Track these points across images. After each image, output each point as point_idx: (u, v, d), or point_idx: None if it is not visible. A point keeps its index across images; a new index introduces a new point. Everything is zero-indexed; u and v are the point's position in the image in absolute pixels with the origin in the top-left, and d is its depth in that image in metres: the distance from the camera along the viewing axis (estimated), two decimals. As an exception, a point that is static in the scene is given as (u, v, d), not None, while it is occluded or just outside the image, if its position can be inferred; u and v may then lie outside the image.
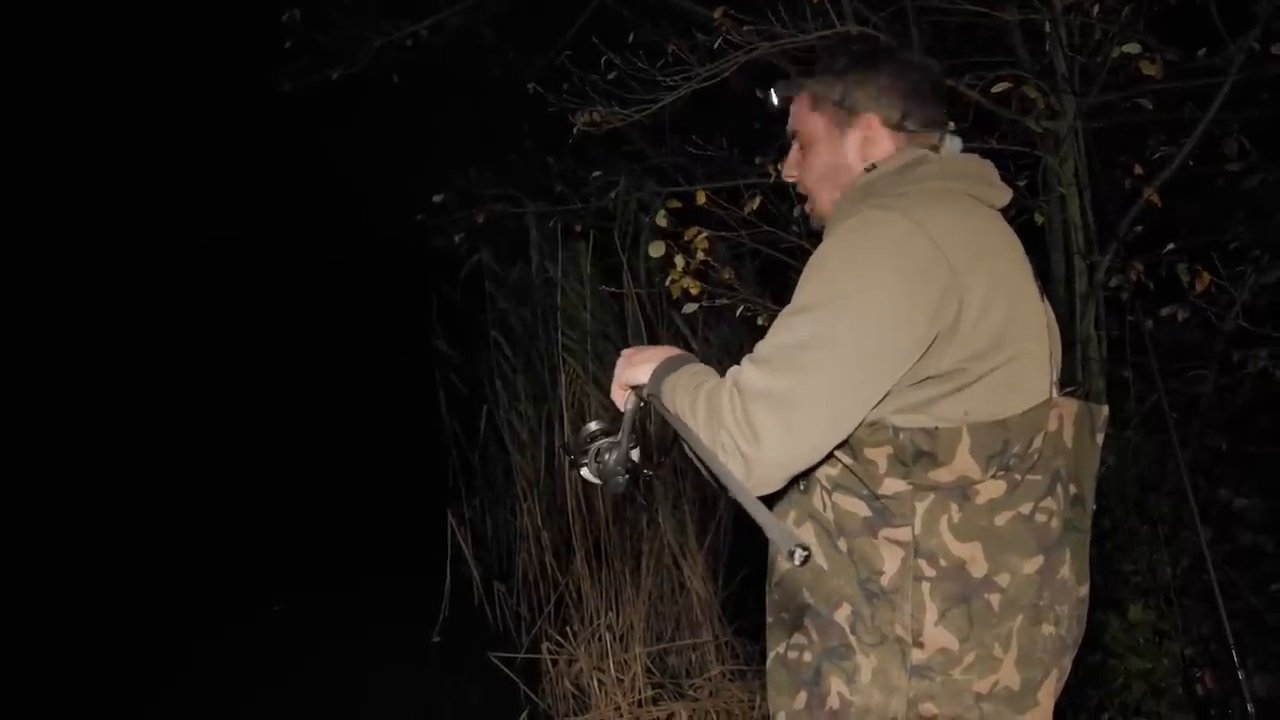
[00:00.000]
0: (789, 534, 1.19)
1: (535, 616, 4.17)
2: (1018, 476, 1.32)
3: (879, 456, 1.31)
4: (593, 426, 1.54)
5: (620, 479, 1.49)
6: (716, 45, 2.80)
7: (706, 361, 1.51)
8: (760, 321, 3.13)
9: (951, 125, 1.50)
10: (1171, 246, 2.87)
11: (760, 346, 1.33)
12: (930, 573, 1.31)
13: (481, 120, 5.49)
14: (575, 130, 3.07)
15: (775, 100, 1.58)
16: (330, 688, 3.97)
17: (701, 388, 1.37)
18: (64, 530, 5.66)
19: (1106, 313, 3.05)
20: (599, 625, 3.72)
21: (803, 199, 1.60)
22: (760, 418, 1.27)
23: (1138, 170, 2.90)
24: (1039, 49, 2.97)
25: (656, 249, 3.13)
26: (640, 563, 3.84)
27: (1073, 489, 1.39)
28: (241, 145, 9.10)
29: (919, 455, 1.30)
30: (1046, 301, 1.48)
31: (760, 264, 3.79)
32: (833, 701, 1.36)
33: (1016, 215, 2.92)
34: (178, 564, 5.14)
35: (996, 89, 2.82)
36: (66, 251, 9.82)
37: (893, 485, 1.31)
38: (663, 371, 1.47)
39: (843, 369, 1.27)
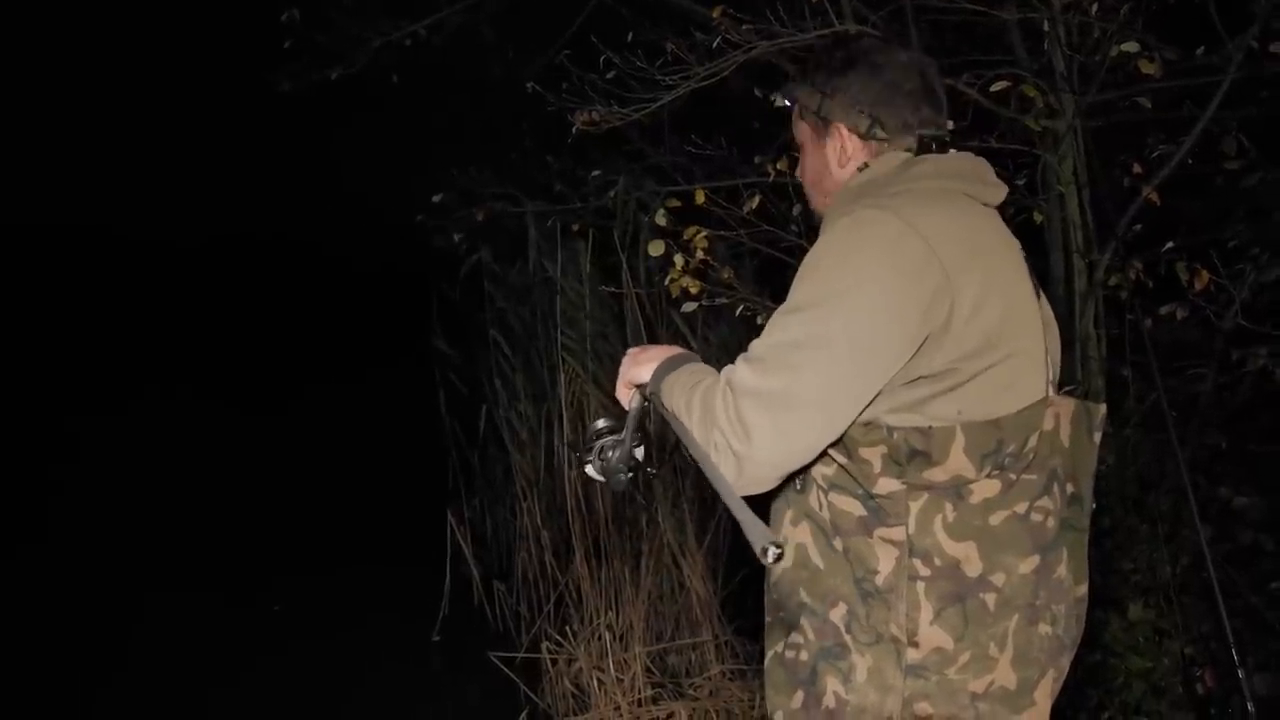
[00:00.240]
0: (764, 532, 1.21)
1: (535, 616, 4.17)
2: (1012, 476, 1.32)
3: (874, 456, 1.32)
4: (600, 424, 1.55)
5: (622, 477, 1.51)
6: (715, 44, 2.80)
7: (706, 361, 1.51)
8: (759, 321, 3.12)
9: (939, 125, 1.50)
10: (1170, 245, 2.87)
11: (754, 345, 1.34)
12: (925, 572, 1.31)
13: (480, 119, 5.50)
14: (574, 129, 3.06)
15: (788, 104, 1.59)
16: (330, 687, 3.97)
17: (698, 386, 1.37)
18: (62, 531, 5.65)
19: (1106, 311, 3.05)
20: (599, 625, 3.72)
21: (805, 199, 1.64)
22: (752, 416, 1.28)
23: (1137, 169, 2.90)
24: (1037, 48, 2.97)
25: (656, 248, 3.13)
26: (640, 562, 3.84)
27: (1070, 488, 1.39)
28: (241, 145, 9.11)
29: (913, 455, 1.30)
30: (1045, 300, 1.49)
31: (759, 263, 3.79)
32: (829, 701, 1.36)
33: (1015, 214, 2.92)
34: (178, 564, 5.14)
35: (995, 88, 2.81)
36: (66, 252, 9.84)
37: (887, 485, 1.32)
38: (663, 370, 1.48)
39: (836, 368, 1.28)
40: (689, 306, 3.19)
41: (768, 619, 1.47)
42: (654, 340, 3.99)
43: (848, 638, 1.35)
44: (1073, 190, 3.02)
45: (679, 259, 3.11)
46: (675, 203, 3.21)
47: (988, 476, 1.31)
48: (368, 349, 8.24)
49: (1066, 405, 1.39)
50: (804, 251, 1.38)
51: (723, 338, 4.13)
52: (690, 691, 3.53)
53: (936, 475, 1.30)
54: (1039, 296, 1.46)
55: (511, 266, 4.90)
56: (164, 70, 8.68)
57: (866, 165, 1.47)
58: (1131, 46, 2.70)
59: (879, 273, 1.29)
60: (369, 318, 8.55)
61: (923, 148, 1.47)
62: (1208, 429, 3.04)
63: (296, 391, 7.98)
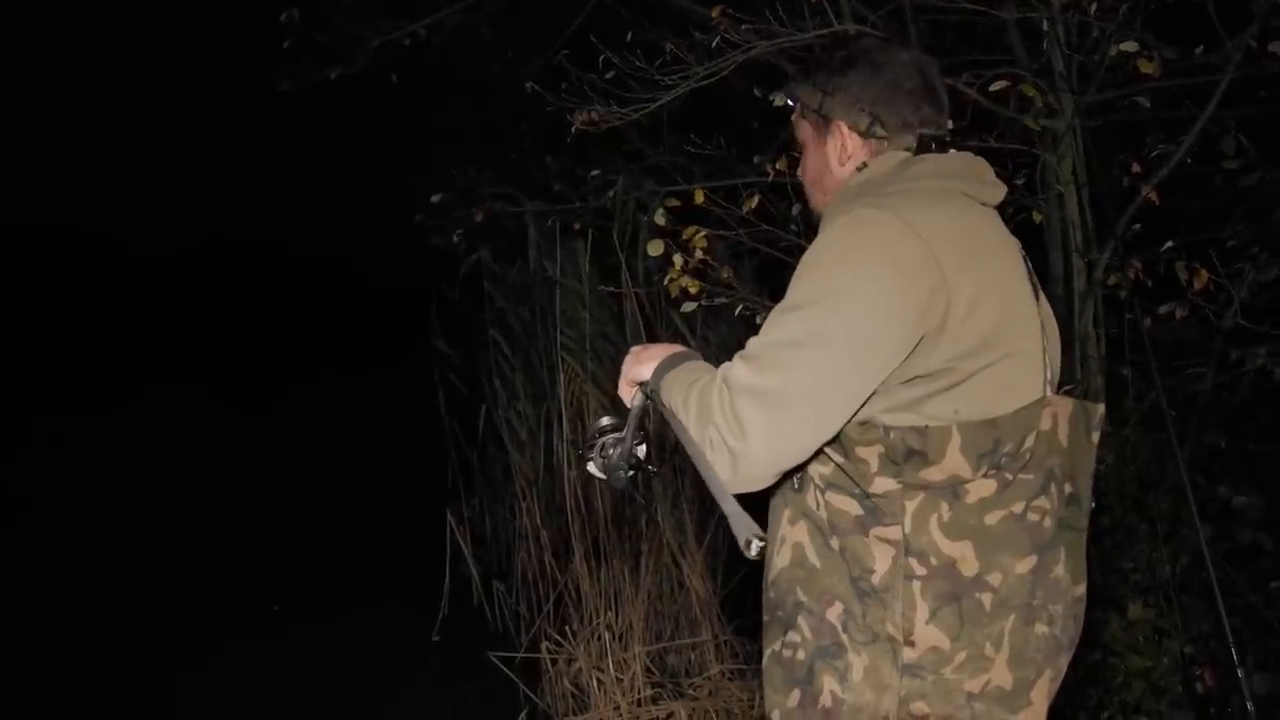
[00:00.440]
0: (748, 525, 1.22)
1: (534, 616, 4.17)
2: (1009, 475, 1.32)
3: (870, 455, 1.32)
4: (604, 421, 1.56)
5: (622, 474, 1.51)
6: (714, 44, 2.80)
7: (706, 360, 1.51)
8: (758, 320, 3.11)
9: (939, 124, 1.50)
10: (1170, 244, 2.87)
11: (752, 343, 1.34)
12: (921, 571, 1.31)
13: (480, 119, 5.49)
14: (573, 129, 3.06)
15: (789, 103, 1.60)
16: (330, 687, 3.98)
17: (695, 384, 1.38)
18: (62, 531, 5.65)
19: (1105, 311, 3.05)
20: (598, 624, 3.72)
21: (804, 198, 1.64)
22: (748, 414, 1.28)
23: (1136, 168, 2.90)
24: (1037, 47, 2.97)
25: (655, 248, 3.13)
26: (639, 562, 3.84)
27: (1068, 488, 1.39)
28: (240, 146, 9.11)
29: (910, 454, 1.30)
30: (1044, 300, 1.49)
31: (759, 263, 3.79)
32: (825, 700, 1.36)
33: (1015, 213, 2.92)
34: (178, 563, 5.14)
35: (994, 87, 2.81)
36: (64, 255, 9.83)
37: (883, 484, 1.32)
38: (664, 368, 1.49)
39: (832, 366, 1.28)
40: (688, 306, 3.19)
41: (765, 618, 1.47)
42: (653, 340, 3.99)
43: (844, 637, 1.35)
44: (1072, 190, 3.02)
45: (678, 259, 3.11)
46: (674, 202, 3.21)
47: (984, 476, 1.31)
48: (367, 349, 8.24)
49: (1064, 405, 1.39)
50: (803, 251, 1.38)
51: (722, 337, 4.13)
52: (690, 691, 3.53)
53: (933, 475, 1.31)
54: (1038, 296, 1.46)
55: (511, 266, 4.90)
56: (162, 70, 8.67)
57: (865, 165, 1.48)
58: (1130, 46, 2.70)
59: (876, 271, 1.30)
60: (368, 318, 8.56)
61: (923, 147, 1.47)
62: (1207, 428, 3.04)
63: (296, 392, 7.99)
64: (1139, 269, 2.89)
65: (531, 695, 3.72)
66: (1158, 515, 2.82)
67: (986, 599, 1.32)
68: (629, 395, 1.57)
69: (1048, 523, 1.36)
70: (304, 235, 9.58)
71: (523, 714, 3.67)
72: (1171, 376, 2.98)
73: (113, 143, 9.69)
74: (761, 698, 1.56)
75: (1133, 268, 2.87)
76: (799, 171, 1.62)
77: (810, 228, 1.60)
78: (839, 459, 1.35)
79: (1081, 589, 1.44)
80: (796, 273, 1.36)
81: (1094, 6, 2.74)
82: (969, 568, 1.32)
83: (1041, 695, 1.38)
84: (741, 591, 3.82)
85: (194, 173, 9.95)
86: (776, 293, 1.40)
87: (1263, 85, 2.84)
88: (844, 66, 1.50)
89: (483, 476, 5.07)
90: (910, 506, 1.31)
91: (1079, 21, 2.84)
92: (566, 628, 3.79)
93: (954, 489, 1.31)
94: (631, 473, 1.53)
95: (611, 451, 1.52)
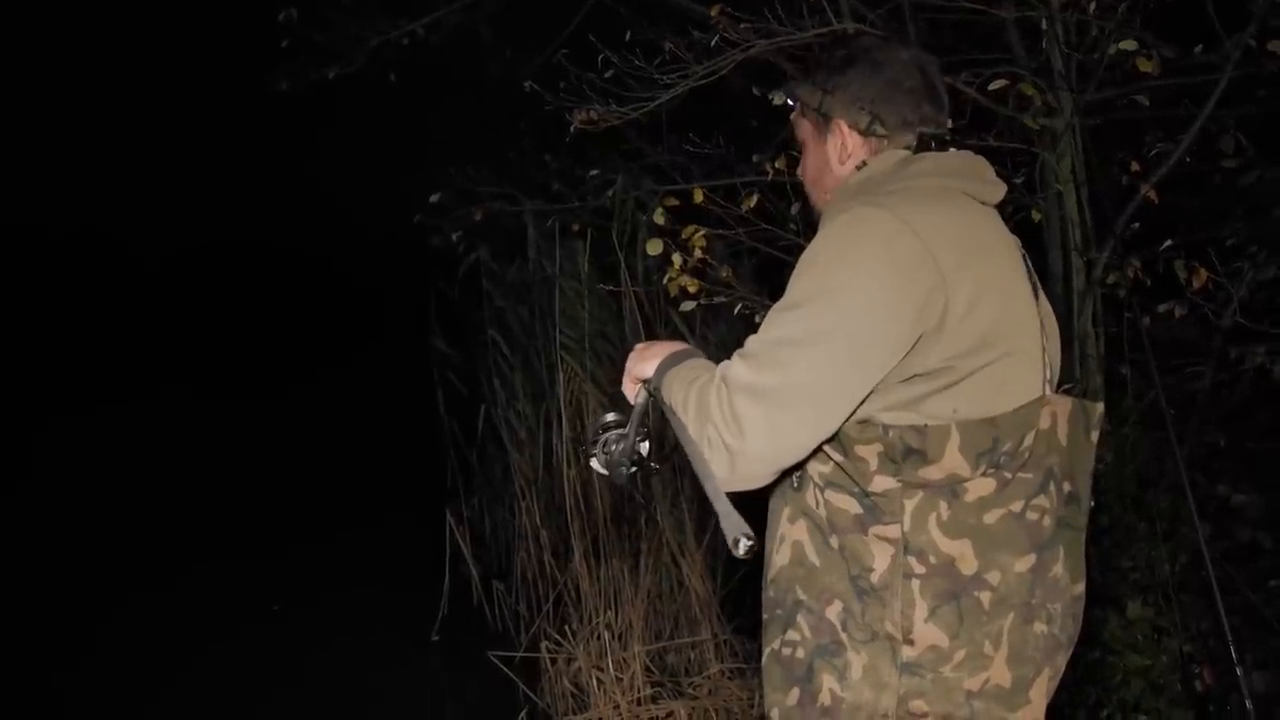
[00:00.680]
0: (738, 523, 1.21)
1: (534, 615, 4.17)
2: (1008, 474, 1.32)
3: (869, 454, 1.32)
4: (609, 418, 1.56)
5: (624, 470, 1.51)
6: (713, 43, 2.80)
7: (707, 359, 1.51)
8: (757, 319, 3.12)
9: (939, 123, 1.50)
10: (1169, 243, 2.87)
11: (750, 341, 1.34)
12: (920, 570, 1.31)
13: (478, 119, 5.49)
14: (572, 128, 3.06)
15: (789, 102, 1.60)
16: (329, 687, 3.98)
17: (695, 382, 1.38)
18: (60, 531, 5.65)
19: (1104, 309, 3.05)
20: (598, 624, 3.72)
21: (804, 197, 1.64)
22: (746, 411, 1.28)
23: (1135, 167, 2.89)
24: (1035, 46, 2.97)
25: (654, 247, 3.13)
26: (639, 561, 3.84)
27: (1067, 487, 1.39)
28: (237, 146, 9.09)
29: (909, 453, 1.30)
30: (1044, 299, 1.49)
31: (758, 262, 3.79)
32: (824, 698, 1.36)
33: (1014, 212, 2.92)
34: (177, 563, 5.14)
35: (993, 86, 2.81)
36: (63, 255, 9.82)
37: (882, 483, 1.32)
38: (666, 366, 1.49)
39: (830, 364, 1.28)
40: (687, 305, 3.19)
41: (765, 616, 1.47)
42: (652, 339, 3.98)
43: (843, 635, 1.35)
44: (1071, 188, 3.02)
45: (677, 258, 3.11)
46: (673, 201, 3.21)
47: (983, 475, 1.31)
48: (366, 348, 8.24)
49: (1064, 404, 1.39)
50: (802, 250, 1.39)
51: (721, 336, 4.13)
52: (689, 690, 3.53)
53: (932, 473, 1.31)
54: (1037, 295, 1.46)
55: (510, 265, 4.90)
56: (160, 70, 8.66)
57: (865, 163, 1.48)
58: (1129, 45, 2.70)
59: (875, 270, 1.30)
60: (367, 317, 8.55)
61: (923, 145, 1.47)
62: (1206, 427, 3.04)
63: (295, 391, 7.99)
64: (1138, 268, 2.89)
65: (531, 695, 3.72)
66: (1157, 514, 2.82)
67: (985, 597, 1.32)
68: (632, 392, 1.57)
69: (1047, 521, 1.36)
70: (303, 235, 9.57)
71: (522, 713, 3.67)
72: (1170, 375, 2.98)
73: (111, 142, 9.68)
74: (761, 696, 1.56)
75: (1132, 266, 2.87)
76: (799, 170, 1.62)
77: (810, 226, 1.60)
78: (838, 457, 1.35)
79: (1080, 587, 1.44)
80: (795, 271, 1.36)
81: (1093, 5, 2.74)
82: (968, 566, 1.32)
83: (1040, 693, 1.38)
84: (741, 590, 3.82)
85: (193, 172, 9.94)
86: (776, 292, 1.40)
87: (1261, 84, 2.84)
88: (844, 65, 1.50)
89: (482, 476, 5.07)
90: (909, 505, 1.32)
91: (1078, 20, 2.84)
92: (566, 627, 3.79)
93: (953, 488, 1.31)
94: (634, 469, 1.53)
95: (614, 448, 1.53)
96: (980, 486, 1.32)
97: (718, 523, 1.28)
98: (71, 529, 5.69)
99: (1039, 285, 1.48)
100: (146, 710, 3.84)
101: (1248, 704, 2.11)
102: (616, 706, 3.47)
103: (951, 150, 1.48)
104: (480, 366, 4.97)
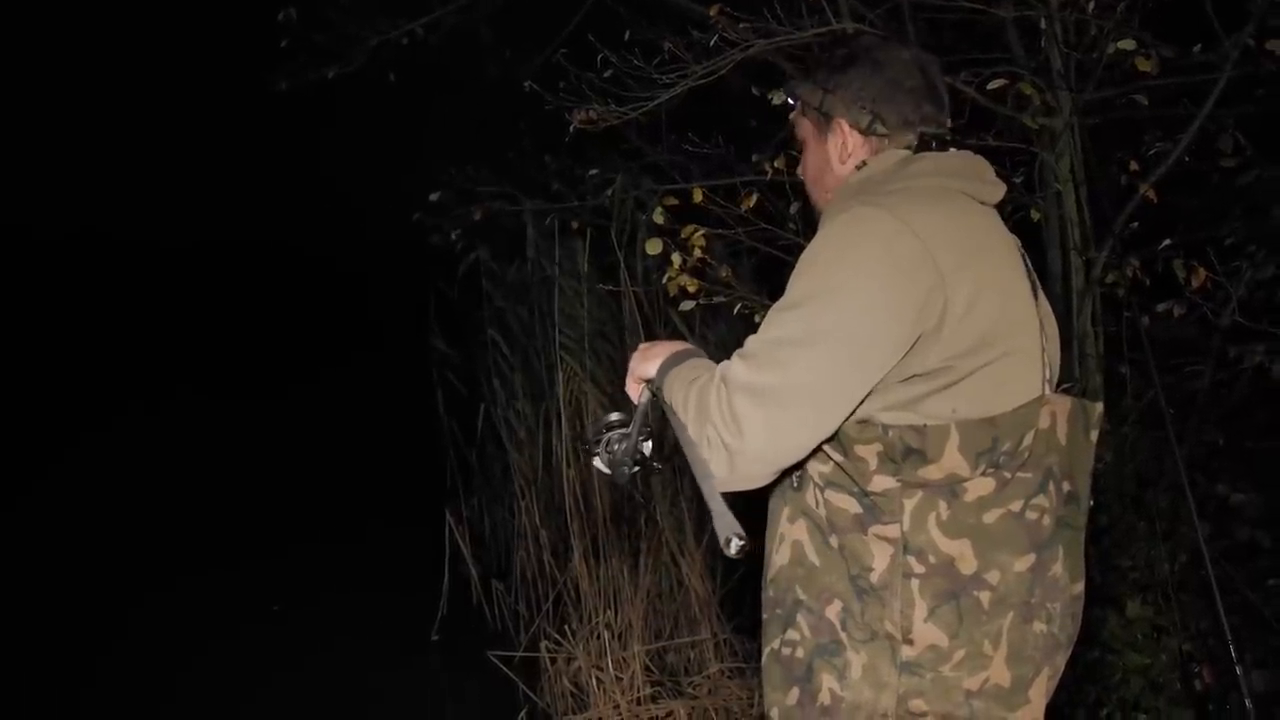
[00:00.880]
0: (730, 524, 1.22)
1: (534, 615, 4.18)
2: (1007, 474, 1.32)
3: (869, 454, 1.32)
4: (612, 417, 1.57)
5: (626, 470, 1.52)
6: (713, 43, 2.80)
7: (707, 359, 1.51)
8: (757, 319, 3.12)
9: (940, 122, 1.50)
10: (1168, 242, 2.87)
11: (750, 341, 1.35)
12: (919, 569, 1.32)
13: (478, 118, 5.49)
14: (572, 128, 3.06)
15: (790, 101, 1.60)
16: (329, 686, 3.98)
17: (695, 382, 1.38)
18: (59, 531, 5.65)
19: (1103, 309, 3.05)
20: (597, 623, 3.72)
21: (806, 195, 1.64)
22: (745, 411, 1.28)
23: (1134, 166, 2.90)
24: (1034, 45, 2.97)
25: (653, 246, 3.13)
26: (639, 561, 3.84)
27: (1066, 486, 1.39)
28: (238, 146, 9.10)
29: (908, 453, 1.30)
30: (1044, 299, 1.49)
31: (757, 261, 3.79)
32: (824, 698, 1.36)
33: (1013, 212, 2.92)
34: (177, 562, 5.14)
35: (992, 86, 2.81)
36: (63, 254, 9.82)
37: (882, 482, 1.32)
38: (668, 365, 1.49)
39: (830, 364, 1.28)
40: (687, 305, 3.19)
41: (765, 616, 1.47)
42: (652, 339, 3.98)
43: (843, 635, 1.35)
44: (1070, 188, 3.02)
45: (676, 257, 3.11)
46: (673, 201, 3.21)
47: (982, 475, 1.31)
48: (366, 348, 8.24)
49: (1063, 403, 1.39)
50: (801, 249, 1.39)
51: (720, 336, 4.13)
52: (689, 690, 3.53)
53: (931, 473, 1.31)
54: (1037, 295, 1.46)
55: (509, 265, 4.90)
56: (159, 70, 8.67)
57: (865, 163, 1.48)
58: (1128, 44, 2.70)
59: (874, 269, 1.30)
60: (366, 317, 8.56)
61: (923, 145, 1.47)
62: (1205, 426, 3.04)
63: (294, 391, 7.99)
64: (1137, 267, 2.89)
65: (531, 694, 3.72)
66: (1156, 513, 2.82)
67: (985, 597, 1.32)
68: (636, 392, 1.57)
69: (1046, 521, 1.36)
70: (302, 234, 9.58)
71: (522, 713, 3.67)
72: (1170, 374, 2.98)
73: (108, 142, 9.68)
74: (761, 696, 1.56)
75: (1131, 266, 2.87)
76: (799, 169, 1.62)
77: (809, 226, 1.60)
78: (838, 457, 1.35)
79: (1080, 587, 1.44)
80: (795, 271, 1.36)
81: (1091, 5, 2.74)
82: (967, 566, 1.32)
83: (1039, 693, 1.39)
84: (740, 590, 3.82)
85: (192, 172, 9.95)
86: (775, 291, 1.41)
87: (1260, 83, 2.85)
88: (845, 64, 1.50)
89: (482, 476, 5.07)
90: (909, 505, 1.32)
91: (1077, 20, 2.84)
92: (566, 627, 3.79)
93: (952, 487, 1.31)
94: (636, 469, 1.53)
95: (617, 448, 1.53)
96: (979, 486, 1.32)
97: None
98: (72, 529, 5.69)
99: (1038, 285, 1.48)
100: (146, 709, 3.84)
101: (1247, 703, 2.11)
102: (616, 706, 3.47)
103: (952, 150, 1.49)
104: (480, 366, 4.97)
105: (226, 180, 9.78)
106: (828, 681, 1.36)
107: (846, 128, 1.50)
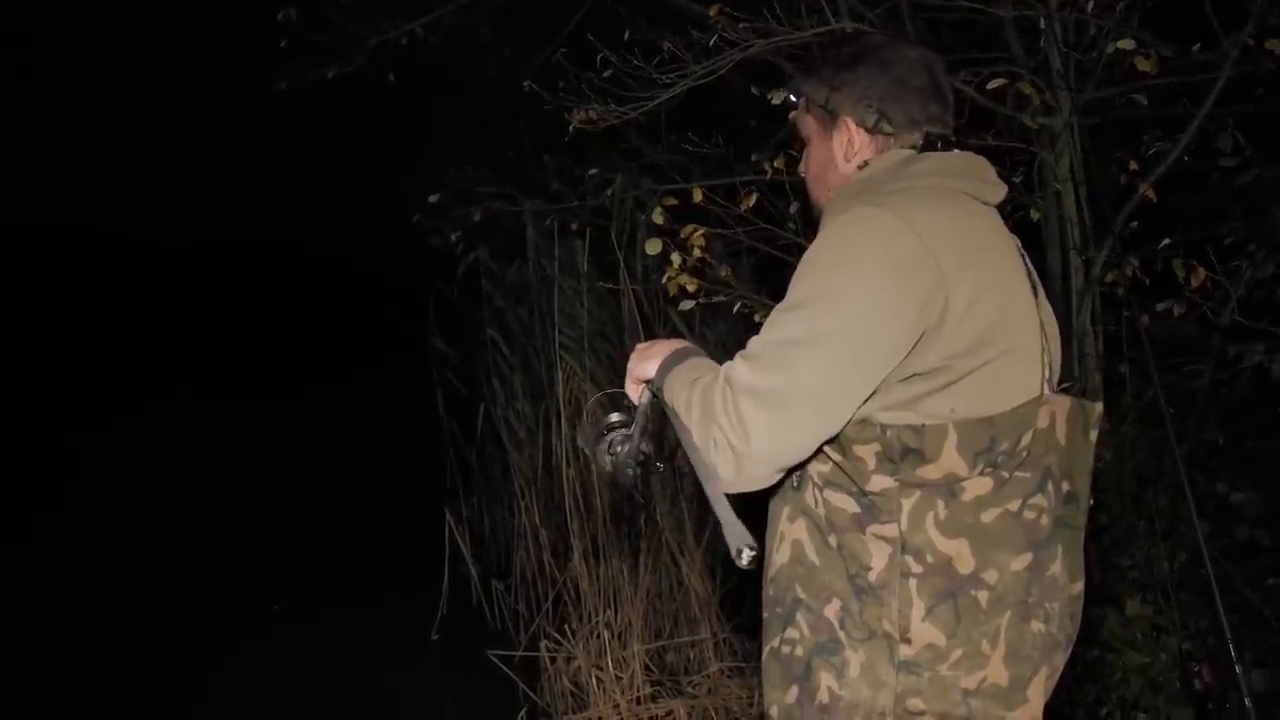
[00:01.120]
0: (740, 533, 1.22)
1: (533, 614, 4.18)
2: (1005, 473, 1.33)
3: (867, 454, 1.32)
4: (614, 418, 1.57)
5: (630, 471, 1.51)
6: (712, 43, 2.80)
7: (706, 358, 1.51)
8: (757, 318, 3.12)
9: (945, 123, 1.50)
10: (1167, 242, 2.87)
11: (753, 342, 1.35)
12: (917, 569, 1.32)
13: (477, 118, 5.49)
14: (571, 128, 3.06)
15: (794, 97, 1.60)
16: (329, 685, 3.98)
17: (698, 382, 1.38)
18: (58, 531, 5.65)
19: (1102, 308, 3.05)
20: (597, 623, 3.72)
21: (806, 194, 1.64)
22: (750, 414, 1.28)
23: (1133, 166, 2.90)
24: (1034, 45, 2.97)
25: (653, 246, 3.13)
26: (638, 560, 3.84)
27: (1065, 486, 1.39)
28: (238, 145, 9.10)
29: (906, 452, 1.31)
30: (1045, 299, 1.49)
31: (757, 261, 3.79)
32: (822, 696, 1.37)
33: (1013, 211, 2.91)
34: (177, 562, 5.14)
35: (992, 85, 2.81)
36: (63, 252, 9.82)
37: (880, 482, 1.32)
38: (667, 366, 1.49)
39: (832, 365, 1.28)
40: (686, 304, 3.19)
41: (765, 615, 1.48)
42: (652, 338, 3.98)
43: (841, 633, 1.35)
44: (1069, 187, 3.02)
45: (676, 257, 3.11)
46: (672, 201, 3.21)
47: (980, 474, 1.32)
48: (365, 348, 8.24)
49: (1062, 403, 1.39)
50: (801, 249, 1.39)
51: (720, 335, 4.13)
52: (689, 689, 3.53)
53: (930, 473, 1.31)
54: (1038, 295, 1.46)
55: (509, 265, 4.90)
56: (159, 69, 8.67)
57: (867, 163, 1.48)
58: (1128, 44, 2.70)
59: (875, 270, 1.30)
60: (366, 317, 8.55)
61: (928, 145, 1.47)
62: (1205, 425, 3.04)
63: (295, 391, 7.99)
64: (1137, 266, 2.89)
65: (531, 694, 3.72)
66: (1156, 512, 2.82)
67: (983, 596, 1.32)
68: (635, 393, 1.57)
69: (1044, 520, 1.36)
70: (300, 234, 9.58)
71: (522, 712, 3.67)
72: (1169, 374, 2.98)
73: (107, 142, 9.68)
74: (760, 695, 1.56)
75: (1130, 265, 2.87)
76: (801, 167, 1.62)
77: (809, 225, 1.60)
78: (837, 457, 1.35)
79: (1079, 587, 1.44)
80: (797, 272, 1.36)
81: (1091, 4, 2.74)
82: (965, 565, 1.32)
83: (1038, 692, 1.39)
84: (740, 589, 3.81)
85: (191, 172, 9.95)
86: (774, 291, 1.41)
87: (1260, 83, 2.84)
88: (852, 62, 1.50)
89: (481, 476, 5.07)
90: (906, 504, 1.32)
91: (1076, 19, 2.84)
92: (565, 626, 3.79)
93: (950, 487, 1.31)
94: (639, 469, 1.53)
95: (619, 449, 1.53)
96: (977, 486, 1.32)
97: (717, 522, 1.28)
98: (72, 529, 5.69)
99: (1039, 286, 1.48)
100: (147, 709, 3.84)
101: (1247, 702, 2.11)
102: (616, 705, 3.47)
103: (955, 150, 1.49)
104: (479, 366, 4.98)
105: (222, 179, 9.78)
106: (826, 680, 1.36)
107: (852, 126, 1.50)
